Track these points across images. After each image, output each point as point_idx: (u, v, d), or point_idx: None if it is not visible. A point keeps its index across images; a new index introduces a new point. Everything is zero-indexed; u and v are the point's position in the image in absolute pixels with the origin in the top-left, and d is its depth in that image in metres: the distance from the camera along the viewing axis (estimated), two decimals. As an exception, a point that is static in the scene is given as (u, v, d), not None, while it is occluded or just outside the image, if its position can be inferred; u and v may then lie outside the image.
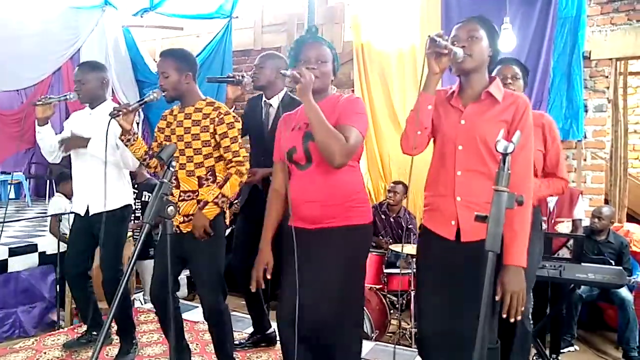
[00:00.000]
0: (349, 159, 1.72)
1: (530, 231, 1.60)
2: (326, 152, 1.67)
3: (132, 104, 2.24)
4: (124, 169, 2.71)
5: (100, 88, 2.68)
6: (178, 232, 2.22)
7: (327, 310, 1.73)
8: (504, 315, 1.55)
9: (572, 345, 3.57)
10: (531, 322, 2.48)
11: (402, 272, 3.78)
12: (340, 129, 1.69)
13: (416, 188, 4.66)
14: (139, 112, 5.80)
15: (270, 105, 2.69)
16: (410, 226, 4.29)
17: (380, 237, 4.34)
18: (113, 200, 2.62)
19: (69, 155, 2.78)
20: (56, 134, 2.76)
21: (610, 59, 4.44)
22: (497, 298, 1.53)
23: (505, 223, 1.56)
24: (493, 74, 2.18)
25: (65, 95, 2.62)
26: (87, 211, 2.67)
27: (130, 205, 2.78)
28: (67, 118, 2.88)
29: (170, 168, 1.57)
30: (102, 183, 2.54)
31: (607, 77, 4.45)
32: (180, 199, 2.25)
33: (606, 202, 4.49)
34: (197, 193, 2.25)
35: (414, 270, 3.50)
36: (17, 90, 6.96)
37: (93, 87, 2.65)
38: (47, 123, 2.64)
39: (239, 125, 2.25)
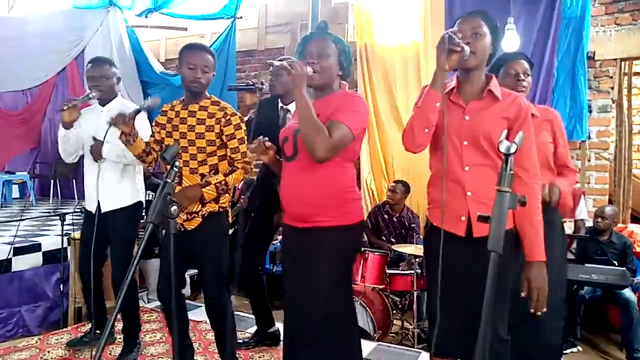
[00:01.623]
0: (331, 154, 1.70)
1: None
2: (308, 145, 1.69)
3: (128, 113, 2.16)
4: (137, 165, 2.70)
5: (117, 83, 2.69)
6: (182, 229, 2.23)
7: (320, 312, 1.73)
8: (532, 310, 1.59)
9: (575, 346, 3.55)
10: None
11: (405, 272, 3.78)
12: (328, 124, 1.70)
13: (419, 187, 4.66)
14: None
15: (288, 110, 2.71)
16: (413, 225, 4.28)
17: (383, 239, 4.33)
18: (125, 198, 2.62)
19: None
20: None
21: (615, 59, 4.43)
22: (522, 294, 1.58)
23: (526, 220, 1.61)
24: (502, 69, 2.19)
25: (88, 95, 2.59)
26: (98, 209, 2.63)
27: (142, 202, 2.75)
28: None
29: (174, 168, 1.58)
30: (113, 181, 2.59)
31: (611, 77, 4.44)
32: None
33: (610, 202, 4.48)
34: None
35: (417, 270, 3.50)
36: (22, 91, 7.01)
37: (113, 82, 2.66)
38: (73, 126, 2.58)
39: (244, 126, 2.27)
